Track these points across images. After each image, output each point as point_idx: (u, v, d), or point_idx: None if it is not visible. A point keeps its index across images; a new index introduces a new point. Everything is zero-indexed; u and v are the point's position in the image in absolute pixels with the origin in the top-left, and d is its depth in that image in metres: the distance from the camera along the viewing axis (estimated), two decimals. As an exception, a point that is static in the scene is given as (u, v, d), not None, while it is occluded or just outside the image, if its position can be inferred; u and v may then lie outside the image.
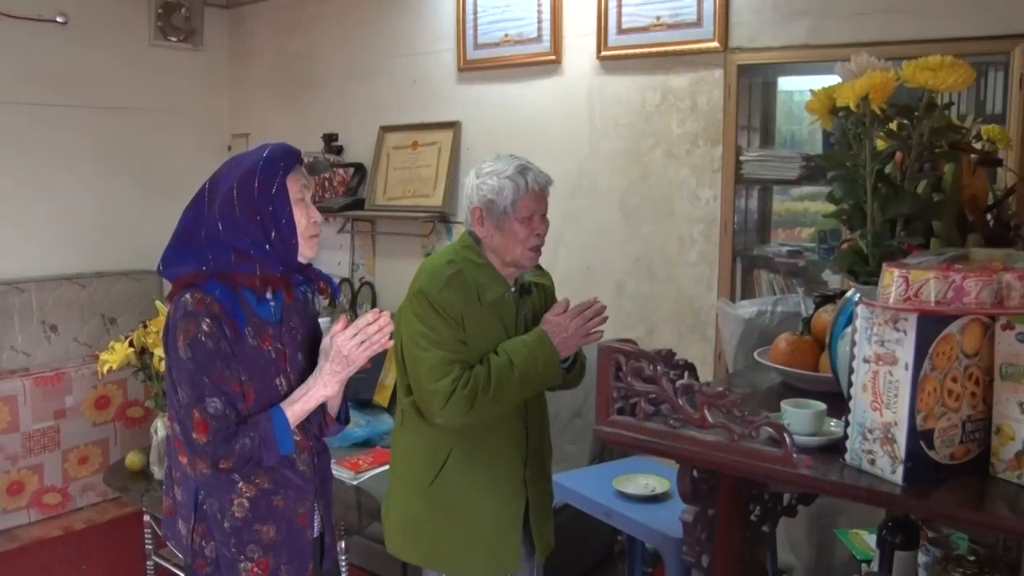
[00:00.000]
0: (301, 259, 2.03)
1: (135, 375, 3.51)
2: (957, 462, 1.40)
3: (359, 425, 4.30)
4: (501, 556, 2.44)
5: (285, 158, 1.99)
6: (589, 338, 2.41)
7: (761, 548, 1.87)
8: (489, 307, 2.37)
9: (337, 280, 5.17)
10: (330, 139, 5.07)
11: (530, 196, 2.37)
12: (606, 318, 2.45)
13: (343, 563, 3.10)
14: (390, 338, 2.05)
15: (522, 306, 2.47)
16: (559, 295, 2.65)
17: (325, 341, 2.03)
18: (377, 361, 3.65)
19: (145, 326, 3.40)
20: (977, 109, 3.13)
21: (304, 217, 2.01)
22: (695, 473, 1.66)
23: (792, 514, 2.00)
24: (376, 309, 2.06)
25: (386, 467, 2.89)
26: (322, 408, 2.09)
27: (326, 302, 5.10)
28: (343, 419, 2.20)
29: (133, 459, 3.61)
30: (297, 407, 1.99)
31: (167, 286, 2.04)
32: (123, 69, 5.22)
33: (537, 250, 2.43)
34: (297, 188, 2.00)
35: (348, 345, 2.00)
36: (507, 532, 2.44)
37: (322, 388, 2.01)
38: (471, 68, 4.49)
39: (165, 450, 2.13)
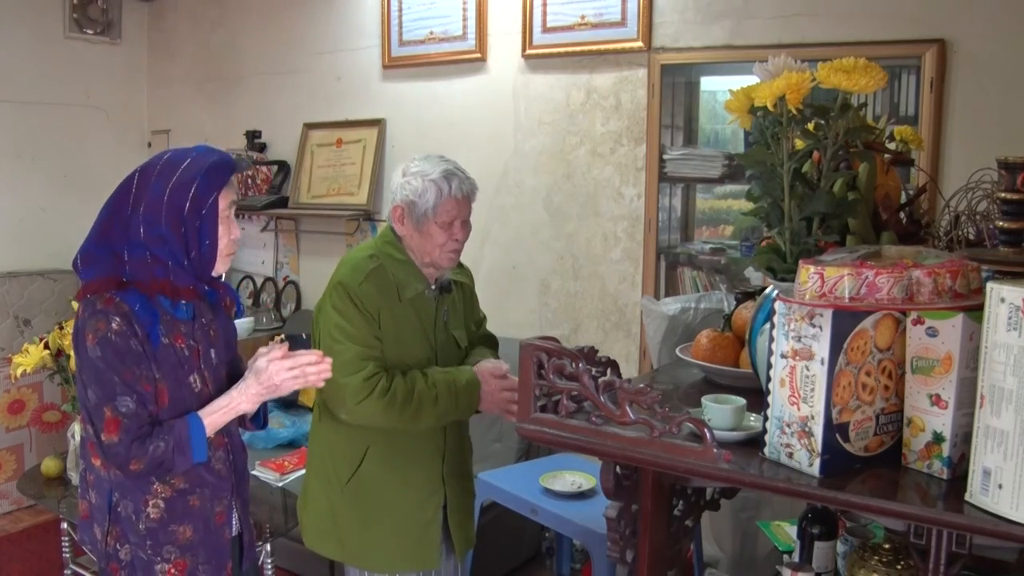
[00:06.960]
0: (213, 274, 2.01)
1: (51, 378, 3.41)
2: (871, 454, 1.44)
3: (284, 426, 4.25)
4: (420, 554, 2.44)
5: (222, 173, 1.94)
6: (507, 414, 2.40)
7: (685, 542, 1.89)
8: (408, 303, 2.36)
9: (261, 279, 5.10)
10: (253, 136, 4.99)
11: (452, 202, 2.35)
12: None
13: (269, 565, 3.06)
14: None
15: (441, 304, 2.46)
16: (486, 293, 2.65)
17: (260, 362, 1.98)
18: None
19: (61, 327, 3.30)
20: (891, 111, 3.22)
21: (226, 235, 1.97)
22: (618, 469, 1.67)
23: (715, 508, 2.03)
24: (320, 352, 2.03)
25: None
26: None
27: (249, 303, 5.04)
28: (261, 423, 2.19)
29: (49, 465, 3.50)
30: (216, 417, 1.96)
31: (82, 281, 1.98)
32: (37, 62, 5.05)
33: (456, 253, 2.42)
34: (227, 204, 1.96)
35: (282, 375, 1.97)
36: (425, 530, 2.43)
37: (244, 403, 1.99)
38: (396, 65, 4.46)
39: (80, 453, 2.07)
